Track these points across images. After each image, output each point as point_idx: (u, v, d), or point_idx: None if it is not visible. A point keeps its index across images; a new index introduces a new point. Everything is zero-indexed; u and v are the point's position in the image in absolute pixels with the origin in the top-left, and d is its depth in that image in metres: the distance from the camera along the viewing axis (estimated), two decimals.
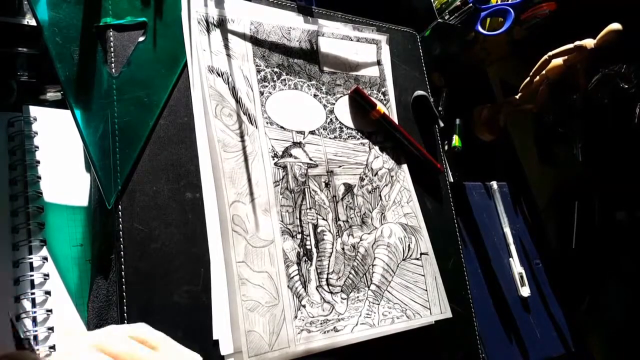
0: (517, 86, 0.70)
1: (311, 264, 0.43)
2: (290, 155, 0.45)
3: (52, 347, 0.37)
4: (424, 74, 0.61)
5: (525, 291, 0.63)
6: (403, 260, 0.49)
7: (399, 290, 0.47)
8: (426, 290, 0.49)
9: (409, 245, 0.50)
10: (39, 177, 0.41)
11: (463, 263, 0.55)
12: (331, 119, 0.50)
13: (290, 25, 0.49)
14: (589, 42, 0.60)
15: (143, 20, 0.41)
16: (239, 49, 0.45)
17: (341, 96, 0.51)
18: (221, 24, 0.44)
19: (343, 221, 0.47)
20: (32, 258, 0.39)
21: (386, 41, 0.57)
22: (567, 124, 0.73)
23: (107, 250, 0.38)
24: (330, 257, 0.45)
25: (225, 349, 0.37)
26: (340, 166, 0.48)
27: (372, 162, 0.51)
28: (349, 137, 0.50)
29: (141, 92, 0.39)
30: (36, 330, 0.37)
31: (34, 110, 0.43)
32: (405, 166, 0.53)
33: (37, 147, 0.42)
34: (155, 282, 0.35)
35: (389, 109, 0.55)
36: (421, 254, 0.50)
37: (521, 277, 0.63)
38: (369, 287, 0.46)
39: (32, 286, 0.38)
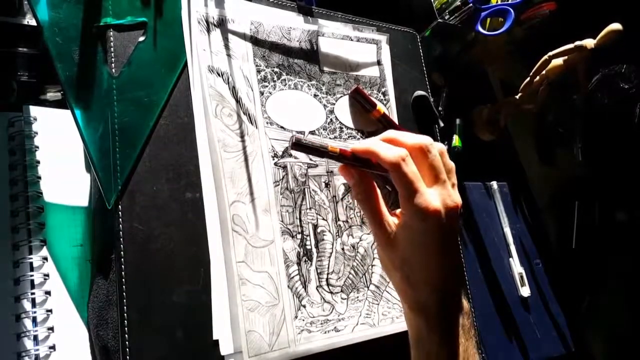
0: (517, 86, 0.70)
1: (311, 264, 0.43)
2: (290, 155, 0.45)
3: (52, 347, 0.37)
4: (424, 74, 0.61)
5: (525, 291, 0.63)
6: None
7: None
8: None
9: None
10: (39, 177, 0.41)
11: (463, 263, 0.55)
12: (331, 119, 0.50)
13: (290, 25, 0.49)
14: (589, 42, 0.60)
15: (143, 20, 0.41)
16: (239, 49, 0.45)
17: (341, 96, 0.51)
18: (221, 23, 0.44)
19: (343, 221, 0.47)
20: (32, 258, 0.39)
21: (386, 41, 0.57)
22: (567, 124, 0.73)
23: (107, 250, 0.38)
24: (330, 257, 0.45)
25: (225, 349, 0.37)
26: None
27: None
28: (349, 137, 0.50)
29: (141, 92, 0.39)
30: (36, 330, 0.37)
31: (34, 110, 0.43)
32: None
33: (37, 147, 0.42)
34: (155, 282, 0.35)
35: (389, 109, 0.55)
36: None
37: (521, 277, 0.63)
38: (368, 287, 0.46)
39: (32, 286, 0.38)
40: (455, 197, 0.33)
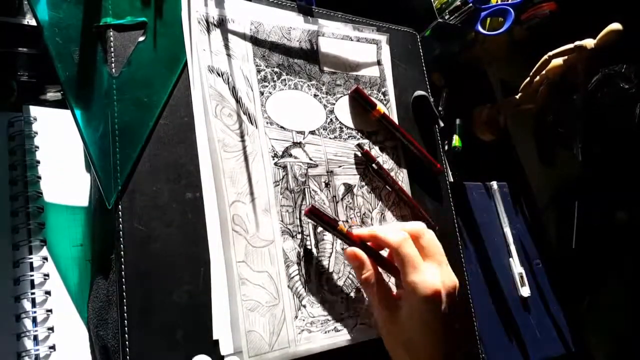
0: (517, 86, 0.70)
1: (311, 264, 0.43)
2: (290, 155, 0.45)
3: (52, 347, 0.37)
4: (424, 74, 0.61)
5: (525, 291, 0.63)
6: None
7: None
8: None
9: None
10: (39, 177, 0.41)
11: (463, 263, 0.55)
12: (331, 119, 0.50)
13: (290, 25, 0.49)
14: (589, 42, 0.60)
15: (143, 20, 0.41)
16: (239, 49, 0.45)
17: (341, 96, 0.51)
18: (221, 23, 0.44)
19: (343, 221, 0.47)
20: (32, 258, 0.39)
21: (386, 41, 0.57)
22: (567, 124, 0.73)
23: (107, 250, 0.38)
24: (330, 257, 0.45)
25: (225, 349, 0.37)
26: (340, 166, 0.48)
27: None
28: (349, 137, 0.50)
29: (141, 92, 0.39)
30: (36, 330, 0.37)
31: (34, 110, 0.43)
32: (404, 167, 0.53)
33: (37, 147, 0.42)
34: (155, 282, 0.35)
35: (389, 109, 0.55)
36: None
37: (521, 277, 0.63)
38: None
39: (32, 286, 0.38)
40: (452, 277, 0.37)
